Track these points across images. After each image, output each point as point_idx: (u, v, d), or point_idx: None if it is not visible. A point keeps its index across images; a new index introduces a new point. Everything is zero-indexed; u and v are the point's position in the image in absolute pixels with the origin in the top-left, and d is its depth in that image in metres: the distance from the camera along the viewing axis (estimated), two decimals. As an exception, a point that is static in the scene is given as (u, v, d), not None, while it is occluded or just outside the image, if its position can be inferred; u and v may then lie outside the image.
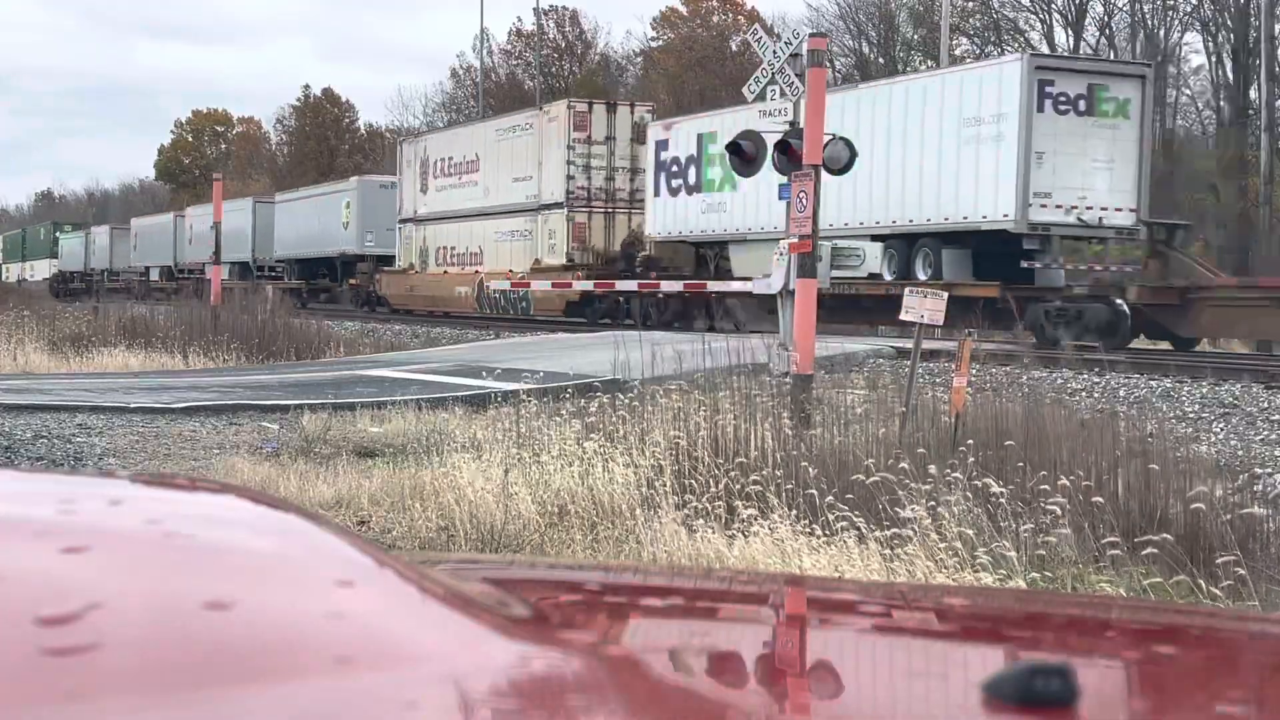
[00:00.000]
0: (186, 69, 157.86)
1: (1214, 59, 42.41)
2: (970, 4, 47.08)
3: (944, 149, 20.27)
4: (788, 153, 11.22)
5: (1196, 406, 12.58)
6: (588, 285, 26.42)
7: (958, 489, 6.01)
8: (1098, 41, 45.90)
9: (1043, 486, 6.01)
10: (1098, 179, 19.98)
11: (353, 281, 36.65)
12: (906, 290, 8.64)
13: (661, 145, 26.78)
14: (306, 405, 12.00)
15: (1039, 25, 47.04)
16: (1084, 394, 12.92)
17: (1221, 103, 42.22)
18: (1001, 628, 1.47)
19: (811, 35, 11.16)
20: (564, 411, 8.96)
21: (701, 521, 6.28)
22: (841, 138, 11.41)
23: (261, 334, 21.00)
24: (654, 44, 60.98)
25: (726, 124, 23.61)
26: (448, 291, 32.10)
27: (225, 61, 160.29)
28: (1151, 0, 43.46)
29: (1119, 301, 19.38)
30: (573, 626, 1.31)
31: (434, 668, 0.99)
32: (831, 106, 26.61)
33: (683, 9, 60.93)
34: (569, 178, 27.48)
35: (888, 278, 21.29)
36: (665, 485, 6.78)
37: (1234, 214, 37.88)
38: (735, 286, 22.71)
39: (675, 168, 26.33)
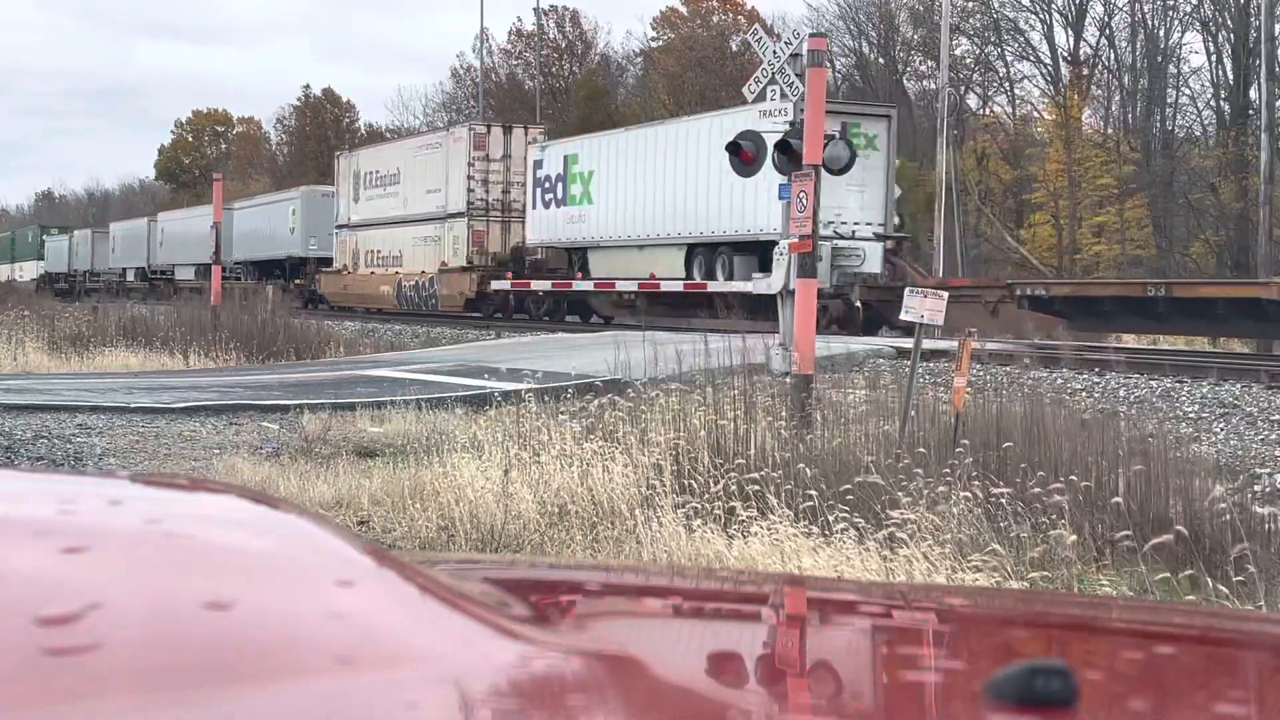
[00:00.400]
0: (184, 69, 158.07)
1: (1214, 59, 42.44)
2: (970, 4, 47.09)
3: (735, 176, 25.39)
4: (788, 152, 11.22)
5: (1196, 406, 12.58)
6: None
7: (958, 489, 6.02)
8: (1098, 41, 45.92)
9: (1036, 488, 6.01)
10: (850, 199, 24.26)
11: (298, 281, 40.55)
12: (906, 290, 8.63)
13: (538, 164, 30.66)
14: (306, 405, 12.01)
15: (1039, 25, 47.07)
16: (1084, 394, 12.93)
17: (1222, 102, 42.24)
18: (1001, 628, 1.47)
19: (811, 35, 11.16)
20: (564, 412, 8.96)
21: (701, 522, 6.28)
22: (842, 138, 11.40)
23: (261, 334, 21.01)
24: (654, 44, 60.99)
25: (588, 146, 29.78)
26: (374, 290, 35.89)
27: (223, 61, 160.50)
28: (1152, 0, 43.47)
29: (854, 299, 24.21)
30: (573, 626, 1.31)
31: (434, 668, 0.99)
32: (643, 139, 28.11)
33: (683, 9, 60.93)
34: (470, 190, 31.65)
35: (697, 279, 26.84)
36: (665, 485, 6.78)
37: (1234, 214, 37.89)
38: (617, 287, 28.59)
39: (547, 184, 30.32)
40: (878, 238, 24.71)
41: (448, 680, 0.98)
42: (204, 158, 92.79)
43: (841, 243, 23.74)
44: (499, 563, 2.24)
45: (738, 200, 24.70)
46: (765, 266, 23.62)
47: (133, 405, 12.17)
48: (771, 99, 12.81)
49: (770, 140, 11.81)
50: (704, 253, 26.55)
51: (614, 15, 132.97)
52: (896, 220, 25.74)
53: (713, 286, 25.38)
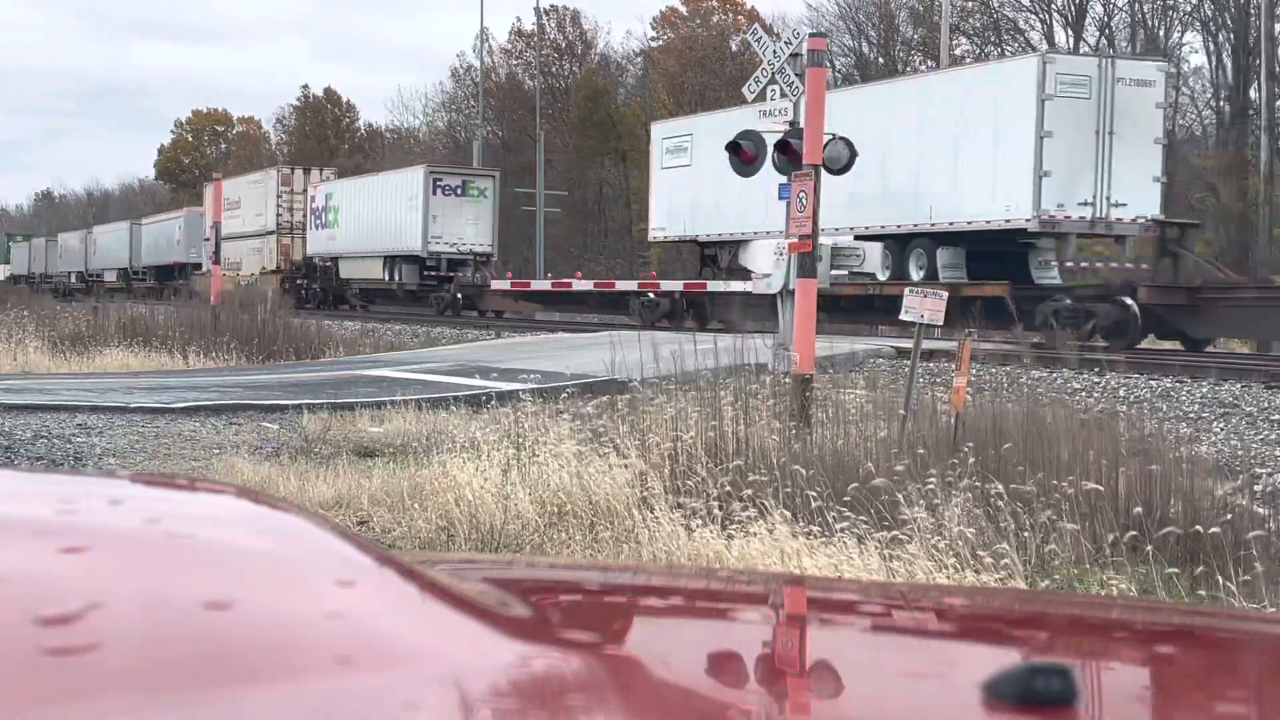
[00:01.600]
0: (181, 69, 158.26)
1: (1214, 58, 42.44)
2: (970, 4, 47.07)
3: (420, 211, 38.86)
4: (787, 152, 11.22)
5: (1196, 406, 12.58)
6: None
7: (958, 489, 6.01)
8: (1098, 41, 45.89)
9: (1030, 488, 6.01)
10: (468, 229, 37.09)
11: (181, 281, 50.53)
12: (906, 290, 8.64)
13: (313, 198, 43.36)
14: (306, 405, 12.01)
15: (1039, 25, 47.07)
16: (1084, 394, 12.92)
17: (1222, 102, 42.22)
18: (1001, 628, 1.47)
19: (811, 35, 11.16)
20: (563, 412, 8.96)
21: (700, 522, 6.28)
22: (841, 137, 11.40)
23: (261, 334, 21.02)
24: (654, 44, 60.98)
25: (344, 188, 42.11)
26: (226, 286, 45.26)
27: (220, 61, 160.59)
28: (1152, 0, 43.47)
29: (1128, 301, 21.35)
30: (573, 626, 1.31)
31: (434, 668, 0.99)
32: (363, 184, 35.98)
33: (683, 9, 60.92)
34: (278, 215, 44.00)
35: (389, 280, 36.92)
36: (664, 486, 6.78)
37: (1234, 214, 37.88)
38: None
39: (318, 211, 42.83)
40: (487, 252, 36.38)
41: (448, 680, 0.98)
42: (204, 157, 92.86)
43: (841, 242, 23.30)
44: (499, 563, 2.24)
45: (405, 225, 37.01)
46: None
47: (132, 405, 12.17)
48: (771, 99, 12.81)
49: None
50: (401, 261, 37.92)
51: (614, 15, 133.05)
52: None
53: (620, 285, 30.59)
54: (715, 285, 27.78)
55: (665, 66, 57.66)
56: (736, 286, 25.54)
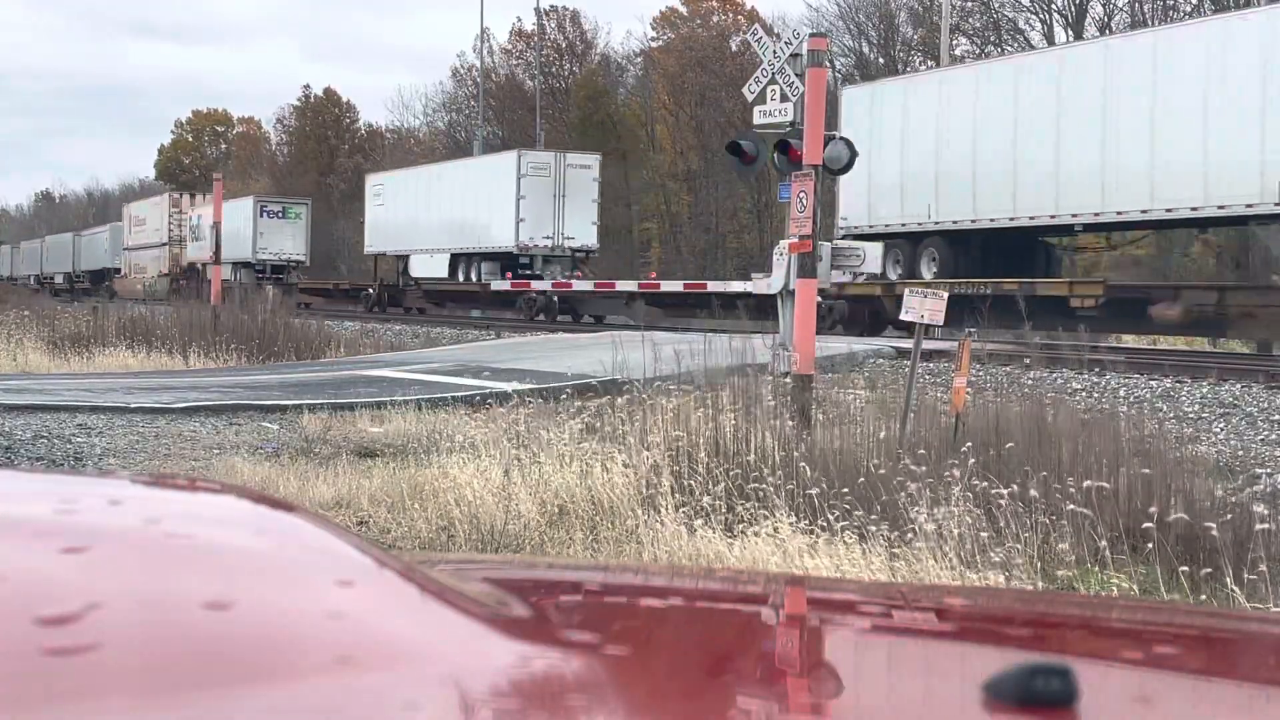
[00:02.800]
0: (176, 69, 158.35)
1: (1214, 59, 42.40)
2: (970, 4, 47.07)
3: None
4: (787, 153, 11.22)
5: (1196, 406, 12.58)
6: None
7: (958, 490, 6.01)
8: (1098, 41, 45.89)
9: (1033, 491, 6.01)
10: (287, 243, 47.58)
11: (107, 283, 60.26)
12: (907, 291, 8.64)
13: (190, 220, 52.95)
14: (306, 405, 12.01)
15: (1039, 25, 47.07)
16: (1084, 394, 12.92)
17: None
18: (1001, 628, 1.47)
19: (811, 35, 11.16)
20: (563, 412, 8.96)
21: (702, 522, 6.28)
22: (842, 138, 11.40)
23: (261, 334, 21.01)
24: (654, 44, 60.98)
25: (208, 211, 44.65)
26: (135, 287, 55.14)
27: (215, 62, 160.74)
28: (1152, 0, 43.47)
29: None
30: (573, 626, 1.31)
31: (434, 668, 0.99)
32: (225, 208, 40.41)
33: (683, 9, 60.92)
34: (170, 230, 55.25)
35: (460, 279, 38.28)
36: (665, 485, 6.78)
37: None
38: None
39: (194, 229, 51.53)
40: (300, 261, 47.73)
41: (448, 680, 0.98)
42: (204, 158, 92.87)
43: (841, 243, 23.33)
44: (499, 563, 2.24)
45: (244, 239, 46.75)
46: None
47: (132, 405, 12.17)
48: (772, 100, 12.81)
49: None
50: (241, 266, 46.17)
51: (614, 15, 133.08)
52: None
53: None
54: (715, 285, 27.81)
55: (665, 66, 57.65)
56: (736, 286, 25.59)
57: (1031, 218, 21.93)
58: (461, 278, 36.30)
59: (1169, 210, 20.27)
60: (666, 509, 6.46)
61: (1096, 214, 21.01)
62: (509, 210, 33.01)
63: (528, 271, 33.62)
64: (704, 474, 6.84)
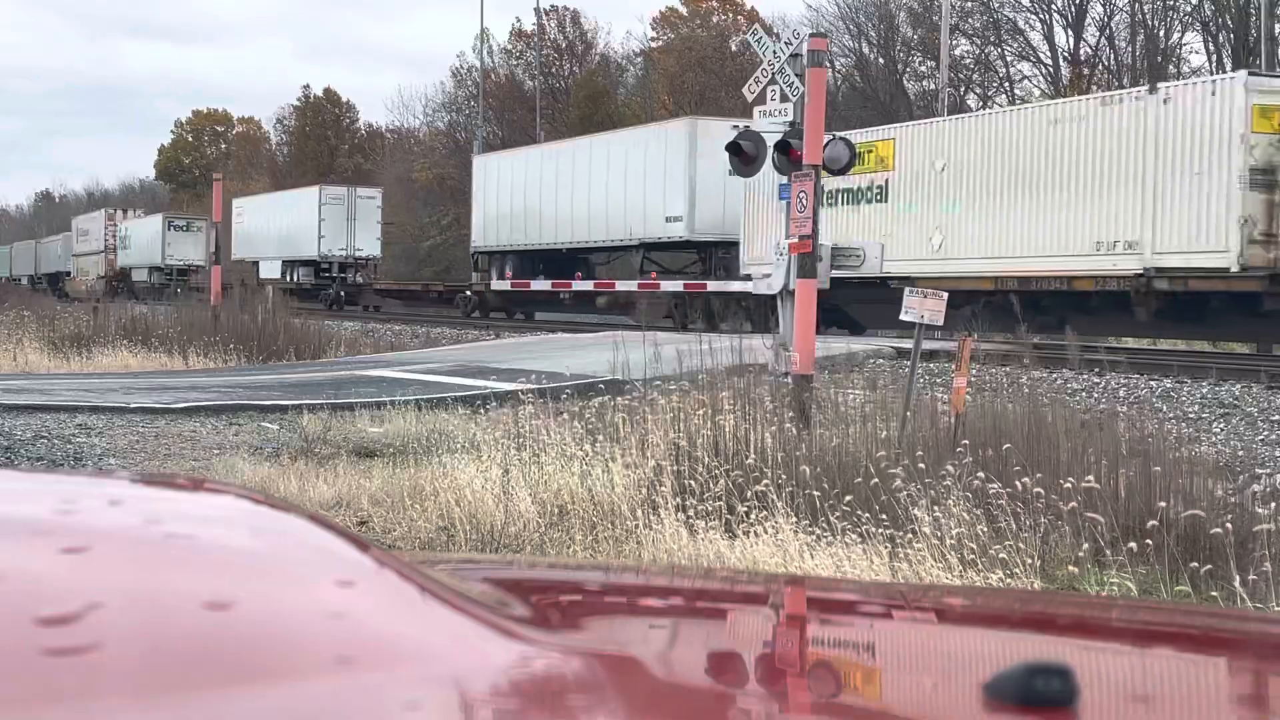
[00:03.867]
0: (171, 69, 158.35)
1: (1214, 59, 42.41)
2: (970, 4, 47.05)
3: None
4: (787, 153, 11.22)
5: (1196, 407, 12.58)
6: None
7: (958, 490, 6.01)
8: (1098, 41, 45.93)
9: (1037, 489, 6.00)
10: (190, 251, 53.72)
11: (62, 284, 65.91)
12: (907, 291, 8.63)
13: (121, 231, 62.10)
14: (306, 405, 12.00)
15: (1039, 25, 47.06)
16: (1084, 394, 12.92)
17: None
18: (1001, 628, 1.47)
19: (812, 35, 11.16)
20: (564, 412, 8.96)
21: (702, 523, 6.28)
22: (841, 137, 11.40)
23: (261, 334, 21.00)
24: (654, 44, 60.96)
25: (131, 224, 61.93)
26: (81, 288, 58.13)
27: (211, 62, 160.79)
28: (1152, 1, 43.47)
29: None
30: (573, 626, 1.31)
31: (434, 668, 0.99)
32: (146, 222, 61.22)
33: (682, 9, 60.90)
34: (105, 241, 62.79)
35: (288, 280, 44.79)
36: (665, 486, 6.78)
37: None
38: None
39: (122, 239, 61.33)
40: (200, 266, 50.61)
41: (448, 680, 0.98)
42: (204, 158, 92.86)
43: (841, 243, 23.51)
44: (499, 563, 2.24)
45: (153, 248, 56.43)
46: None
47: (132, 405, 12.17)
48: (772, 100, 12.81)
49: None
50: (153, 270, 54.72)
51: (614, 15, 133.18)
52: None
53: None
54: (715, 285, 27.81)
55: (665, 67, 57.64)
56: (735, 286, 25.62)
57: (564, 243, 33.89)
58: (289, 279, 45.30)
59: (616, 240, 31.91)
60: (667, 509, 6.46)
61: (584, 242, 33.25)
62: (313, 230, 44.14)
63: (328, 275, 44.64)
64: (704, 474, 6.84)
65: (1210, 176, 18.67)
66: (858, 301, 23.63)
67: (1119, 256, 20.01)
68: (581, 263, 34.27)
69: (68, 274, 68.19)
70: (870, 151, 23.86)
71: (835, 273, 13.34)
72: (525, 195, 35.28)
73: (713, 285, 27.92)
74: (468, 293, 38.05)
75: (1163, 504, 5.88)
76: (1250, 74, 19.51)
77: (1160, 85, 20.67)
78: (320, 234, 43.27)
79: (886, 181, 24.16)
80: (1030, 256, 21.35)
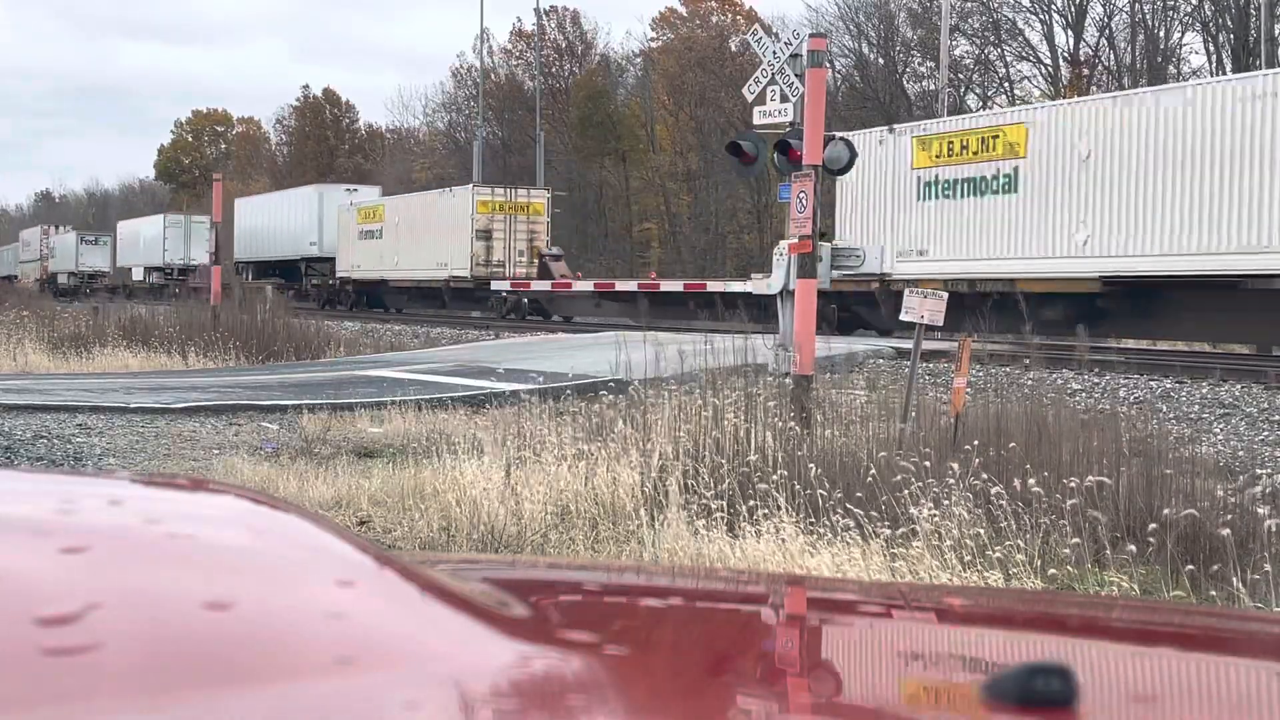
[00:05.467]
0: (167, 69, 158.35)
1: (1214, 59, 42.40)
2: (970, 5, 47.03)
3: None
4: (787, 153, 11.22)
5: (1196, 407, 12.58)
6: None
7: (959, 490, 6.01)
8: (1098, 42, 45.93)
9: (1038, 489, 6.00)
10: (99, 260, 69.57)
11: (13, 284, 69.85)
12: (907, 291, 8.63)
13: (49, 242, 71.40)
14: (306, 405, 12.00)
15: (1039, 26, 47.05)
16: (1084, 394, 12.93)
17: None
18: (1002, 628, 1.47)
19: (811, 36, 11.16)
20: (565, 412, 8.96)
21: (703, 522, 6.28)
22: (842, 138, 11.40)
23: (261, 334, 20.99)
24: (653, 44, 60.96)
25: (58, 237, 72.86)
26: (27, 289, 62.18)
27: (206, 62, 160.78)
28: (1152, 1, 43.47)
29: None
30: (573, 626, 1.31)
31: (434, 668, 0.99)
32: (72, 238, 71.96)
33: (682, 10, 60.92)
34: (41, 249, 73.07)
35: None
36: (667, 485, 6.78)
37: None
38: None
39: (50, 249, 69.86)
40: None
41: (448, 680, 0.98)
42: (203, 158, 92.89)
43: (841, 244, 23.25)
44: (499, 562, 2.24)
45: (66, 254, 69.07)
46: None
47: (132, 405, 12.17)
48: (771, 100, 12.81)
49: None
50: (72, 276, 62.82)
51: (613, 16, 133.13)
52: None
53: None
54: (715, 285, 27.81)
55: (665, 67, 57.65)
56: (736, 286, 25.60)
57: (273, 256, 47.23)
58: (145, 280, 59.53)
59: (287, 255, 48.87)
60: (669, 509, 6.46)
61: (281, 255, 49.60)
62: (159, 244, 59.35)
63: (169, 276, 56.96)
64: (706, 474, 6.84)
65: None
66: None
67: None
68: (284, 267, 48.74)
69: (15, 277, 78.16)
70: (996, 137, 21.73)
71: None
72: (260, 223, 50.63)
73: (713, 285, 28.04)
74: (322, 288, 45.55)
75: (1162, 506, 5.88)
76: None
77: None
78: (165, 248, 58.98)
79: (1016, 170, 21.46)
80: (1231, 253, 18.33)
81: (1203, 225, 18.75)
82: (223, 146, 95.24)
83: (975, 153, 22.25)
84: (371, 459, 9.55)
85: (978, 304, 18.37)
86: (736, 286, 25.40)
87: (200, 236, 54.94)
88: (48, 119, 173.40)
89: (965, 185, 22.19)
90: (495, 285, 35.91)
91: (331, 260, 44.17)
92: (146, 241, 60.73)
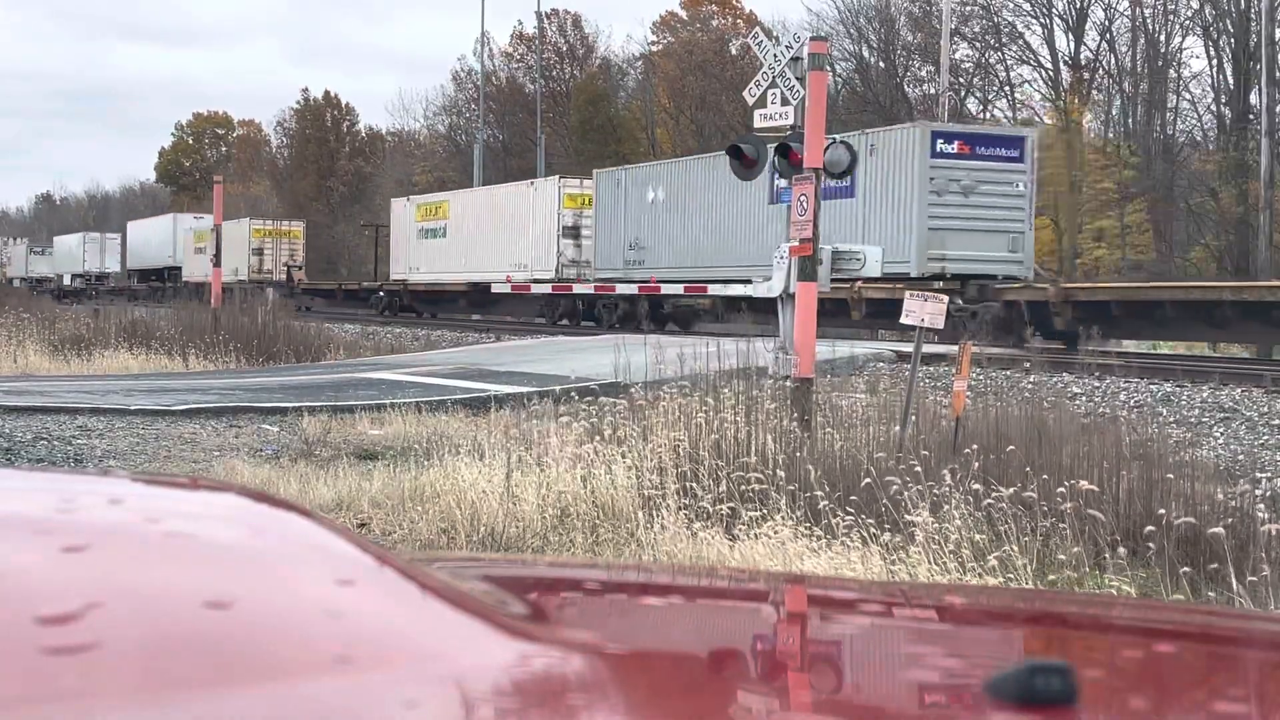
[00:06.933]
0: (163, 71, 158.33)
1: (1215, 63, 42.42)
2: (971, 8, 47.03)
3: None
4: (788, 156, 11.22)
5: (1197, 411, 12.57)
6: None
7: (958, 493, 6.01)
8: (1098, 45, 45.92)
9: (1035, 493, 6.00)
10: (44, 268, 77.30)
11: None
12: (907, 294, 8.63)
13: (7, 251, 76.67)
14: (306, 408, 12.00)
15: (1040, 30, 47.05)
16: (1084, 398, 12.93)
17: (1222, 107, 42.22)
18: (1001, 627, 1.47)
19: (812, 39, 11.16)
20: (565, 414, 8.95)
21: (702, 524, 6.28)
22: (843, 141, 11.40)
23: (261, 336, 20.99)
24: (654, 48, 60.98)
25: (12, 248, 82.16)
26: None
27: (203, 65, 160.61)
28: (1152, 4, 43.48)
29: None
30: (573, 626, 1.31)
31: (434, 667, 0.99)
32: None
33: (682, 13, 60.93)
34: (1, 257, 77.99)
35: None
36: (667, 487, 6.78)
37: (1234, 219, 37.90)
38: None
39: (10, 257, 74.01)
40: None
41: (448, 679, 0.98)
42: (204, 160, 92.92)
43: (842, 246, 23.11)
44: (499, 562, 2.24)
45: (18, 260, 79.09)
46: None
47: (133, 407, 12.16)
48: (772, 103, 12.81)
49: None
50: (23, 280, 66.87)
51: (614, 19, 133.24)
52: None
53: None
54: (715, 288, 27.78)
55: (665, 70, 57.67)
56: (736, 289, 25.59)
57: (155, 266, 59.41)
58: (70, 283, 68.28)
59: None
60: (668, 511, 6.46)
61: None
62: (80, 255, 69.50)
63: (89, 282, 66.93)
64: (706, 476, 6.84)
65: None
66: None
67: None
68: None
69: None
70: (439, 206, 40.14)
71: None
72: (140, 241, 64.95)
73: (714, 288, 28.03)
74: (381, 293, 43.68)
75: (1162, 510, 5.88)
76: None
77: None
78: (84, 259, 69.61)
79: (446, 225, 40.22)
80: None
81: (484, 259, 35.17)
82: (223, 149, 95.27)
83: (434, 214, 39.68)
84: (372, 461, 9.55)
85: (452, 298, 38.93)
86: (736, 289, 25.40)
87: (112, 250, 70.15)
88: (47, 120, 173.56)
89: (431, 231, 39.20)
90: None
91: (179, 269, 58.36)
92: (72, 254, 73.99)
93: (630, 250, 28.99)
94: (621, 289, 29.08)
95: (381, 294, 42.54)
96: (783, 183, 11.66)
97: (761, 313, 23.89)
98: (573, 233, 31.58)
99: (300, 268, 50.74)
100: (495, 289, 35.08)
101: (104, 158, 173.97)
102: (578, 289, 31.16)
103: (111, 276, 69.78)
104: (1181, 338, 22.86)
